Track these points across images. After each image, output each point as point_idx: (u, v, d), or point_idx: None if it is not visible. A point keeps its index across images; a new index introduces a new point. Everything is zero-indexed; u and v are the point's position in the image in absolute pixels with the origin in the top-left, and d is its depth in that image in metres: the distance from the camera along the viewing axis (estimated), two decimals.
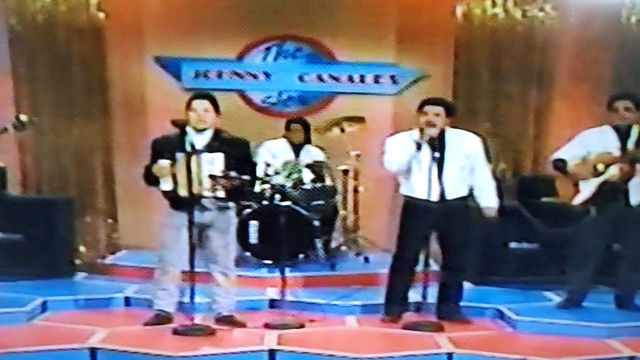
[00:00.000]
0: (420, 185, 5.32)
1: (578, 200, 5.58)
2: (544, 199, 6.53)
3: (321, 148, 7.35)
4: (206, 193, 5.06)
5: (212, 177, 5.02)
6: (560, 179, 5.69)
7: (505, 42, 7.59)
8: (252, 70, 8.11)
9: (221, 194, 5.08)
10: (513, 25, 7.54)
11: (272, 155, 7.09)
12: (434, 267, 5.63)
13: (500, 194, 5.68)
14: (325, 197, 7.04)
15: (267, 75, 8.13)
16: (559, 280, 5.91)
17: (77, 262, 7.07)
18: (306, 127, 7.40)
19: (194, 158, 5.01)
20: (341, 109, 7.87)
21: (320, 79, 8.13)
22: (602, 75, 7.37)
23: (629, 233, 5.57)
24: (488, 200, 5.52)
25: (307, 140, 7.40)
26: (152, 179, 5.19)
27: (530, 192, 6.86)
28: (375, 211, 7.51)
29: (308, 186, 6.91)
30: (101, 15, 7.42)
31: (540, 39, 7.55)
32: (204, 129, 5.17)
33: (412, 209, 5.42)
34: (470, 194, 5.51)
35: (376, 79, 8.09)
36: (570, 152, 5.63)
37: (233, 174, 5.04)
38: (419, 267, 5.46)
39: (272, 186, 6.69)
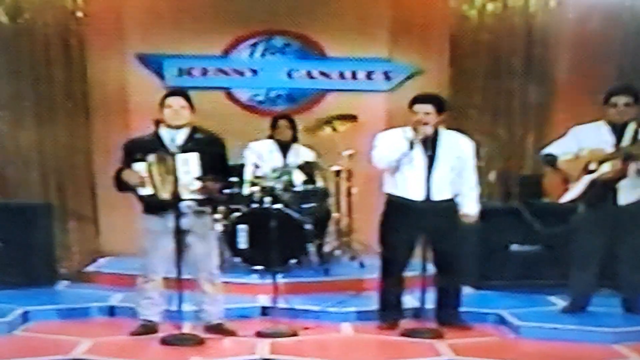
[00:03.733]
0: (409, 184, 5.30)
1: (566, 198, 5.50)
2: (546, 200, 6.43)
3: (310, 147, 7.21)
4: (184, 195, 4.99)
5: (199, 179, 4.95)
6: (549, 176, 5.61)
7: (502, 35, 7.46)
8: (238, 67, 7.95)
9: (198, 195, 5.03)
10: (510, 19, 7.43)
11: (259, 157, 6.92)
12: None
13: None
14: (317, 199, 6.91)
15: (254, 72, 7.98)
16: (563, 284, 5.84)
17: (59, 270, 6.93)
18: (293, 123, 7.25)
19: (168, 159, 4.96)
20: (332, 106, 7.75)
21: (310, 75, 7.99)
22: (603, 70, 7.25)
23: (622, 234, 5.46)
24: (469, 206, 5.47)
25: (295, 139, 7.24)
26: (123, 185, 5.10)
27: (531, 192, 6.75)
28: (370, 213, 7.30)
29: (299, 188, 6.78)
30: (81, 11, 7.24)
31: (538, 32, 7.44)
32: (180, 127, 5.12)
33: (399, 208, 5.36)
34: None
35: (369, 75, 7.97)
36: (562, 148, 5.56)
37: (214, 184, 5.03)
38: (412, 271, 5.41)
39: (262, 188, 6.56)
